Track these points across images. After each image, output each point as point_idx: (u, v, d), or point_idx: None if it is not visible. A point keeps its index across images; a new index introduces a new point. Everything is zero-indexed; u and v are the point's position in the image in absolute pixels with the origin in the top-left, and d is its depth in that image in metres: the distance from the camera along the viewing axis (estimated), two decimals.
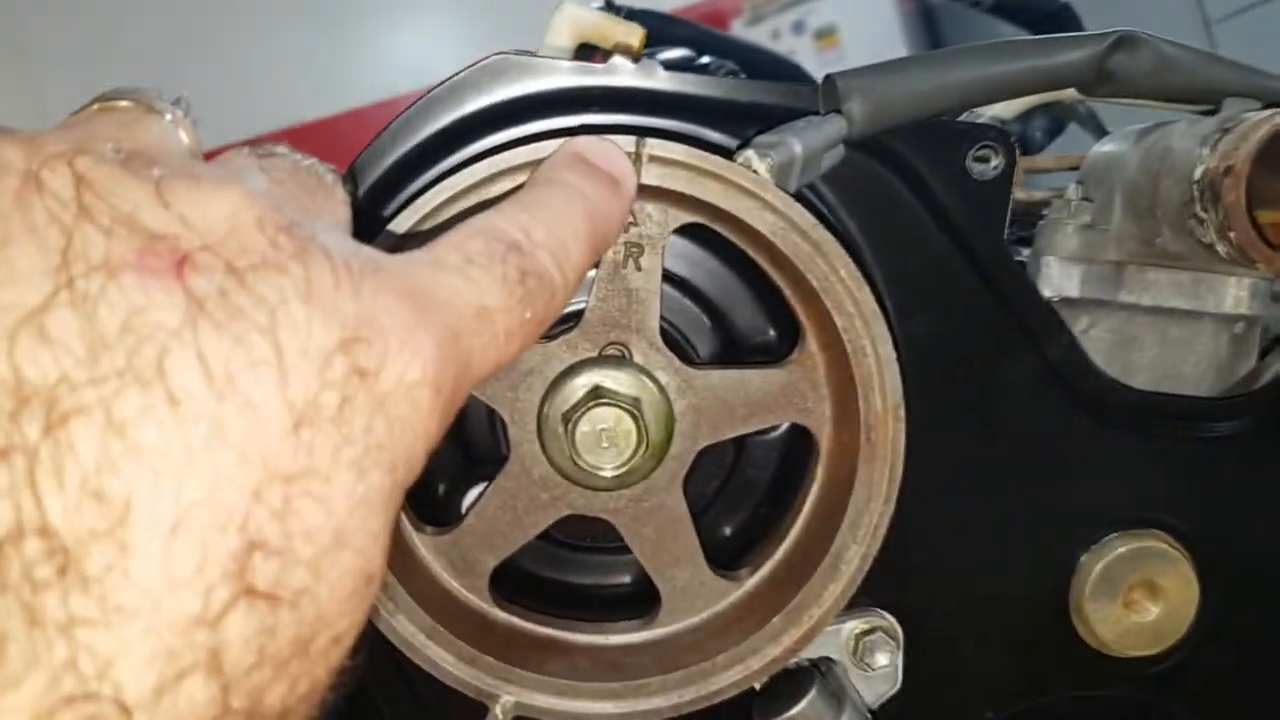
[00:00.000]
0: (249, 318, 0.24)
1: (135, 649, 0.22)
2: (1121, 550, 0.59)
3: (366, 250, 0.29)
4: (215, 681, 0.23)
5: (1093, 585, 0.59)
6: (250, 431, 0.24)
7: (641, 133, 0.49)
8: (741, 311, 0.60)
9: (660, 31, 1.16)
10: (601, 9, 1.18)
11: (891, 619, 0.59)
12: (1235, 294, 0.59)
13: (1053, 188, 0.70)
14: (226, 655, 0.23)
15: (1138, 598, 0.59)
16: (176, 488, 0.23)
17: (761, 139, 0.51)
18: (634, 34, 0.63)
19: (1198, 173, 0.52)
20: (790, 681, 0.54)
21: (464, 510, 0.56)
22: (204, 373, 0.24)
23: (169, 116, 0.32)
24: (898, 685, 0.59)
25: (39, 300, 0.23)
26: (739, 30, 4.51)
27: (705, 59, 1.11)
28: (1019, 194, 0.79)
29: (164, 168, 0.26)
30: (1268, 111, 0.50)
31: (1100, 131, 1.05)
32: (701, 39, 1.16)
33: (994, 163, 0.55)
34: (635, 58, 0.59)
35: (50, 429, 0.22)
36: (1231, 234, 0.50)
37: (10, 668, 0.21)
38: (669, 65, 1.09)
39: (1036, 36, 0.56)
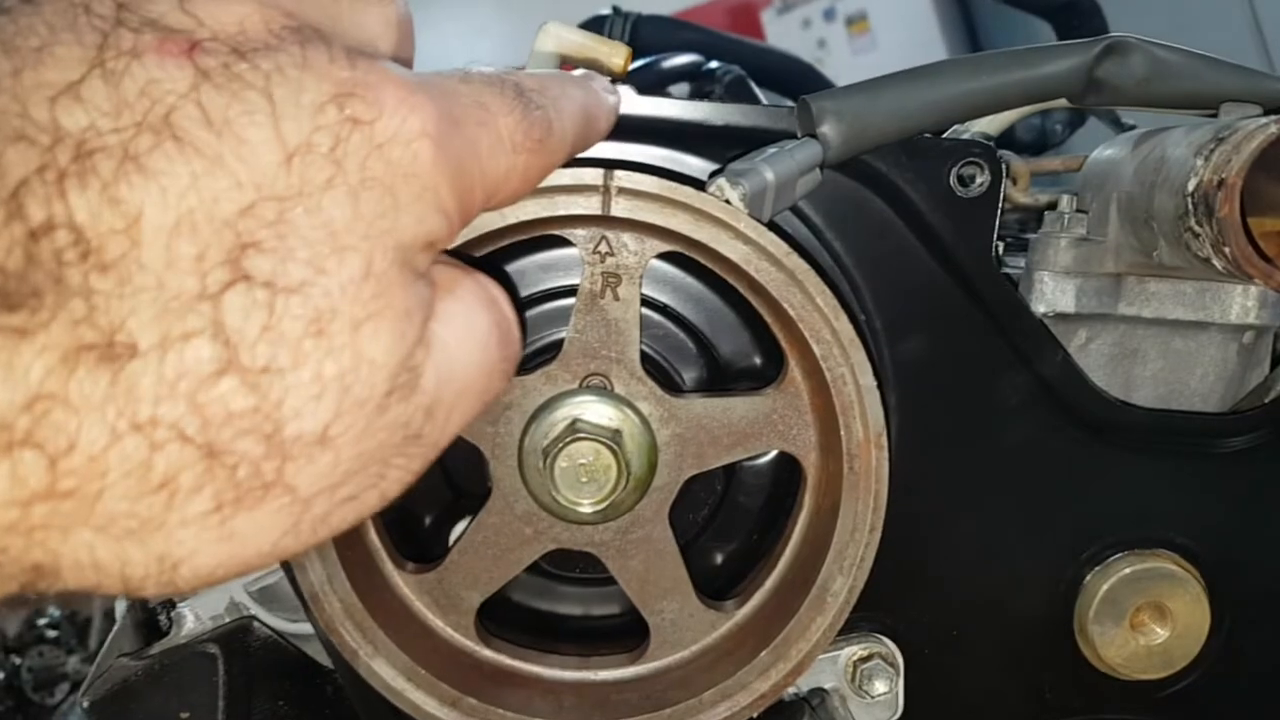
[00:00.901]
0: (246, 80, 0.30)
1: (143, 312, 0.29)
2: (1126, 571, 0.57)
3: (376, 57, 0.34)
4: (218, 342, 0.29)
5: (1097, 607, 0.57)
6: (242, 160, 0.30)
7: (609, 164, 0.48)
8: (727, 337, 0.59)
9: (667, 37, 1.14)
10: (608, 15, 1.17)
11: (891, 645, 0.58)
12: (1242, 303, 0.57)
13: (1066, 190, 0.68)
14: (228, 324, 0.29)
15: (1145, 620, 0.57)
16: (178, 199, 0.29)
17: (734, 166, 0.49)
18: (618, 54, 0.62)
19: (1191, 185, 0.49)
20: (781, 715, 0.53)
21: (449, 546, 0.55)
22: (204, 120, 0.30)
23: None
24: (899, 711, 0.58)
25: (77, 76, 0.29)
26: (770, 20, 4.48)
27: (713, 64, 1.10)
28: (1023, 199, 0.77)
29: None
30: (1263, 120, 0.48)
31: (1118, 125, 1.02)
32: (710, 43, 1.14)
33: (979, 179, 0.53)
34: (618, 78, 0.58)
35: (78, 157, 0.28)
36: (1226, 249, 0.48)
37: (42, 315, 0.28)
38: (648, 84, 1.09)
39: (1020, 48, 0.54)
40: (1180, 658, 0.57)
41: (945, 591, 0.58)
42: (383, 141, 0.32)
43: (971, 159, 0.54)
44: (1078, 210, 0.57)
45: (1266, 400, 0.59)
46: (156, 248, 0.29)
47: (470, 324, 0.36)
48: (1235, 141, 0.48)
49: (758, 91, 1.10)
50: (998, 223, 0.54)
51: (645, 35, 1.12)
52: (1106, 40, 0.53)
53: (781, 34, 4.64)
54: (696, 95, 1.11)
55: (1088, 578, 0.57)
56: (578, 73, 0.47)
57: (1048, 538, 0.58)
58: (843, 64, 5.19)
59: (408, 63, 0.38)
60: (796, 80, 1.19)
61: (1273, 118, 0.48)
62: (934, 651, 0.59)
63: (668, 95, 1.05)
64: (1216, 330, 0.58)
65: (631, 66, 1.10)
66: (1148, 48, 0.53)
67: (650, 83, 1.04)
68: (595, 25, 1.12)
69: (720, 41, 1.16)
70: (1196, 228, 0.49)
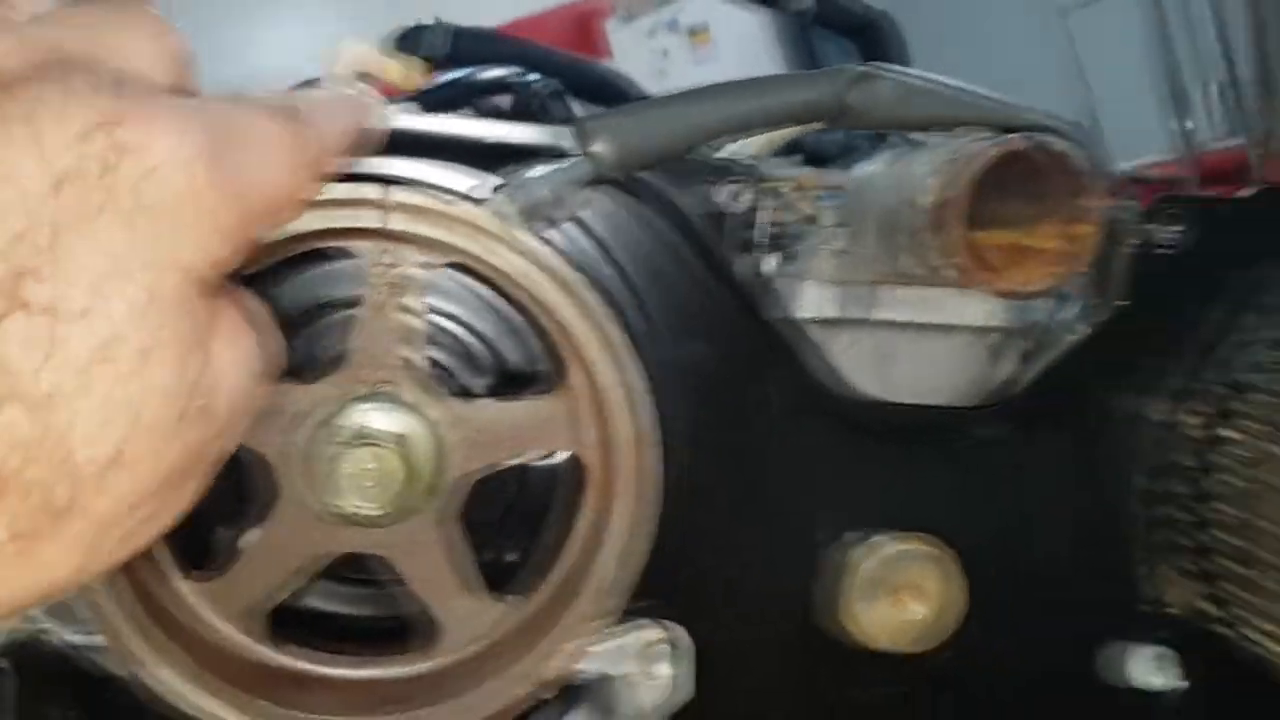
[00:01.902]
0: (6, 111, 0.30)
1: None
2: (887, 553, 0.62)
3: (144, 85, 0.35)
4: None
5: (861, 587, 0.62)
6: (12, 191, 0.30)
7: (389, 180, 0.51)
8: (515, 344, 0.62)
9: (486, 50, 1.17)
10: (428, 26, 1.19)
11: (680, 629, 0.62)
12: (983, 308, 0.63)
13: None
14: (8, 353, 0.30)
15: (905, 598, 0.63)
16: None
17: (510, 181, 0.53)
18: (410, 70, 0.65)
19: (925, 200, 0.55)
20: (560, 702, 0.57)
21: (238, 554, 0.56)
22: None
23: None
24: (690, 693, 0.62)
25: None
26: (614, 29, 4.52)
27: (533, 77, 1.13)
28: (809, 209, 0.82)
29: None
30: (988, 141, 0.53)
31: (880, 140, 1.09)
32: (529, 56, 1.17)
33: (743, 196, 0.58)
34: (410, 95, 0.61)
35: None
36: (955, 260, 0.53)
37: None
38: (462, 96, 1.10)
39: (782, 75, 0.58)
40: (939, 632, 0.63)
41: (724, 579, 0.62)
42: (155, 165, 0.32)
43: (735, 177, 0.58)
44: (838, 224, 0.62)
45: (1011, 394, 0.65)
46: None
47: (238, 343, 0.37)
48: (962, 162, 0.53)
49: (574, 105, 1.13)
50: (761, 236, 0.59)
51: (465, 48, 1.15)
52: (859, 70, 0.58)
53: (625, 43, 4.68)
54: (518, 107, 1.14)
55: (853, 561, 0.62)
56: (350, 91, 0.50)
57: (817, 526, 0.62)
58: (685, 74, 5.26)
59: (191, 94, 0.38)
60: (614, 93, 1.22)
61: (994, 140, 0.53)
62: (721, 637, 0.62)
63: (481, 106, 1.08)
64: (963, 333, 0.64)
65: (450, 77, 1.12)
66: (895, 77, 0.58)
67: (464, 95, 1.06)
68: (414, 36, 1.14)
69: (539, 55, 1.19)
70: (930, 240, 0.54)
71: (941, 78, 0.61)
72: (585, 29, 4.79)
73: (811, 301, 0.62)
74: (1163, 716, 0.67)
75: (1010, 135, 0.53)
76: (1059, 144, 0.52)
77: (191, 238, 0.33)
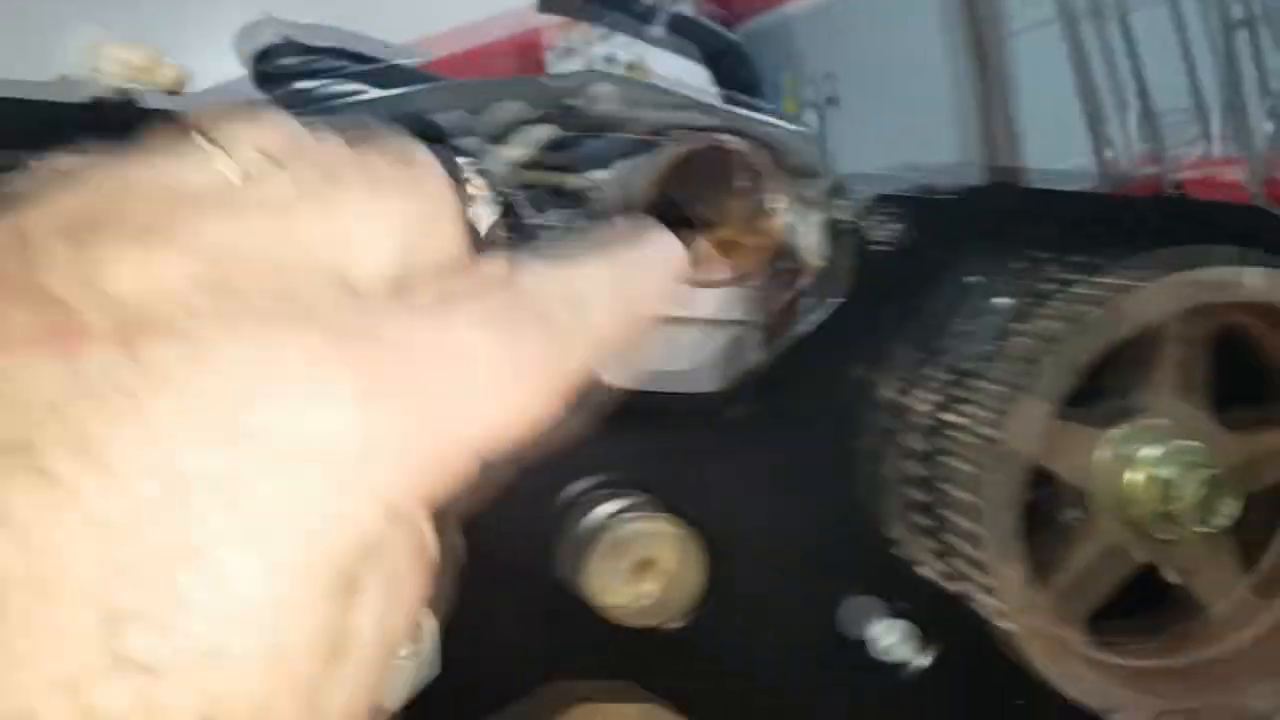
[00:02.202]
0: (130, 389, 0.23)
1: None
2: (628, 529, 0.66)
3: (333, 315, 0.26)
4: None
5: (599, 562, 0.65)
6: (114, 502, 0.23)
7: None
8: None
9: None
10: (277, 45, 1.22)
11: (424, 609, 0.64)
12: (714, 300, 0.67)
13: None
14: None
15: (644, 573, 0.66)
16: (41, 559, 0.22)
17: None
18: (168, 74, 0.68)
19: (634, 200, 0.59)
20: None
21: None
22: (68, 446, 0.22)
23: None
24: (435, 669, 0.65)
25: None
26: (554, 61, 4.57)
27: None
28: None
29: (115, 227, 0.25)
30: (677, 143, 0.58)
31: None
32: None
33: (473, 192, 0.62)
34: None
35: None
36: None
37: None
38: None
39: (511, 78, 0.63)
40: (679, 605, 0.66)
41: (460, 559, 0.65)
42: (283, 451, 0.24)
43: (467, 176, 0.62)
44: (571, 225, 0.67)
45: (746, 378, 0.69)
46: (19, 619, 0.22)
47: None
48: (650, 163, 0.57)
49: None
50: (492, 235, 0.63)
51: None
52: (579, 75, 0.62)
53: None
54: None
55: (592, 537, 0.66)
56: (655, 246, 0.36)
57: (563, 501, 0.66)
58: None
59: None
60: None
61: (681, 140, 0.58)
62: (457, 610, 0.65)
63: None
64: (700, 324, 0.68)
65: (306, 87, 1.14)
66: (614, 82, 0.62)
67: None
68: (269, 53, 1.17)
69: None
70: None
71: (677, 84, 0.65)
72: (527, 60, 4.84)
73: None
74: (908, 688, 0.70)
75: (698, 136, 0.57)
76: (735, 143, 0.56)
77: (335, 551, 0.25)
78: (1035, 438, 0.59)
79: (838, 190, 0.62)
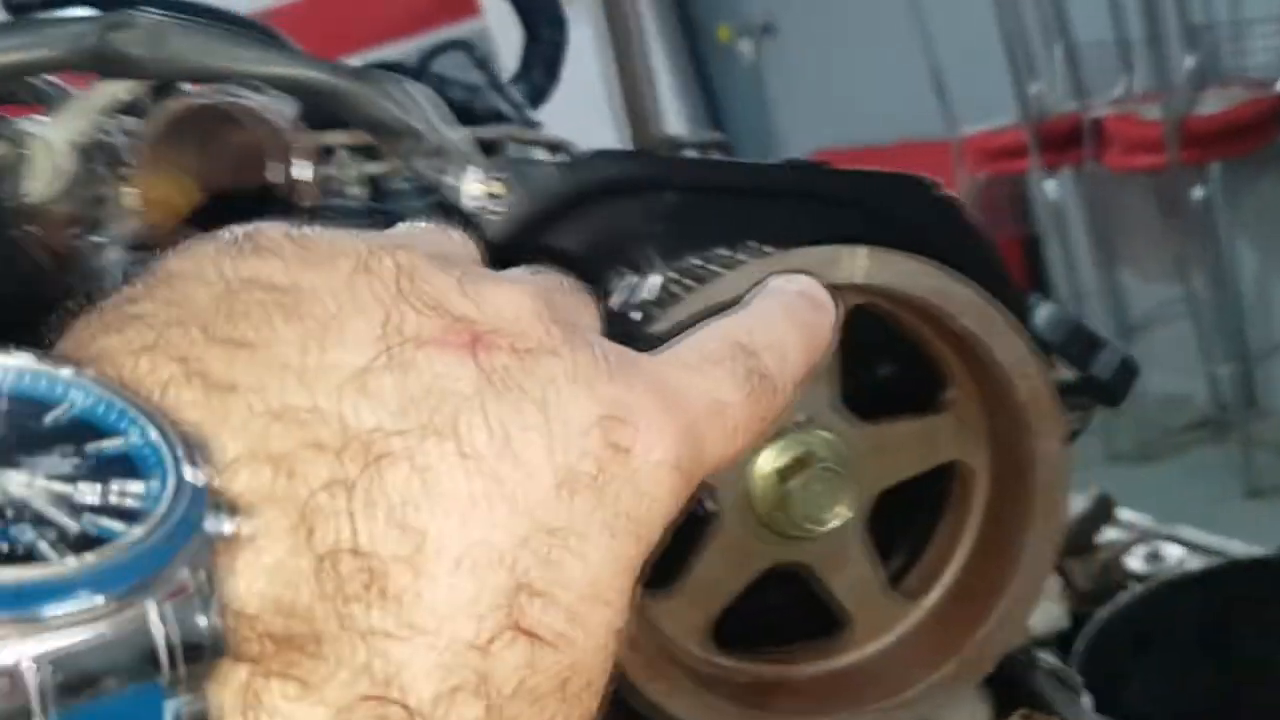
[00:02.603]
0: (526, 391, 0.28)
1: (420, 661, 0.25)
2: None
3: (619, 347, 0.33)
4: (480, 702, 0.26)
5: None
6: (522, 486, 0.27)
7: None
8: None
9: None
10: None
11: None
12: None
13: None
14: (492, 680, 0.26)
15: None
16: (463, 527, 0.26)
17: None
18: None
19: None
20: None
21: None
22: (489, 434, 0.27)
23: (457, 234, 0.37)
24: None
25: (364, 362, 0.27)
26: None
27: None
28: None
29: (463, 268, 0.31)
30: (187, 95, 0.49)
31: None
32: None
33: None
34: None
35: (367, 467, 0.26)
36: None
37: (327, 665, 0.25)
38: None
39: (32, 18, 0.53)
40: None
41: None
42: (634, 470, 0.30)
43: None
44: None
45: None
46: (440, 582, 0.26)
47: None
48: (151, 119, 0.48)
49: None
50: None
51: None
52: (112, 16, 0.52)
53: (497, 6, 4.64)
54: None
55: None
56: (797, 277, 0.44)
57: None
58: None
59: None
60: None
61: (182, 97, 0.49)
62: None
63: None
64: None
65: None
66: (153, 23, 0.52)
67: None
68: None
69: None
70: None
71: (226, 27, 0.55)
72: None
73: None
74: None
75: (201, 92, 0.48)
76: (242, 102, 0.47)
77: (643, 549, 0.30)
78: None
79: (439, 152, 0.53)
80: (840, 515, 0.52)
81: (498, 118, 0.85)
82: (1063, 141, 3.50)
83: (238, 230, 0.30)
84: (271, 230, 0.30)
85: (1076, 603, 1.56)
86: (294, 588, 0.25)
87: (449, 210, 0.50)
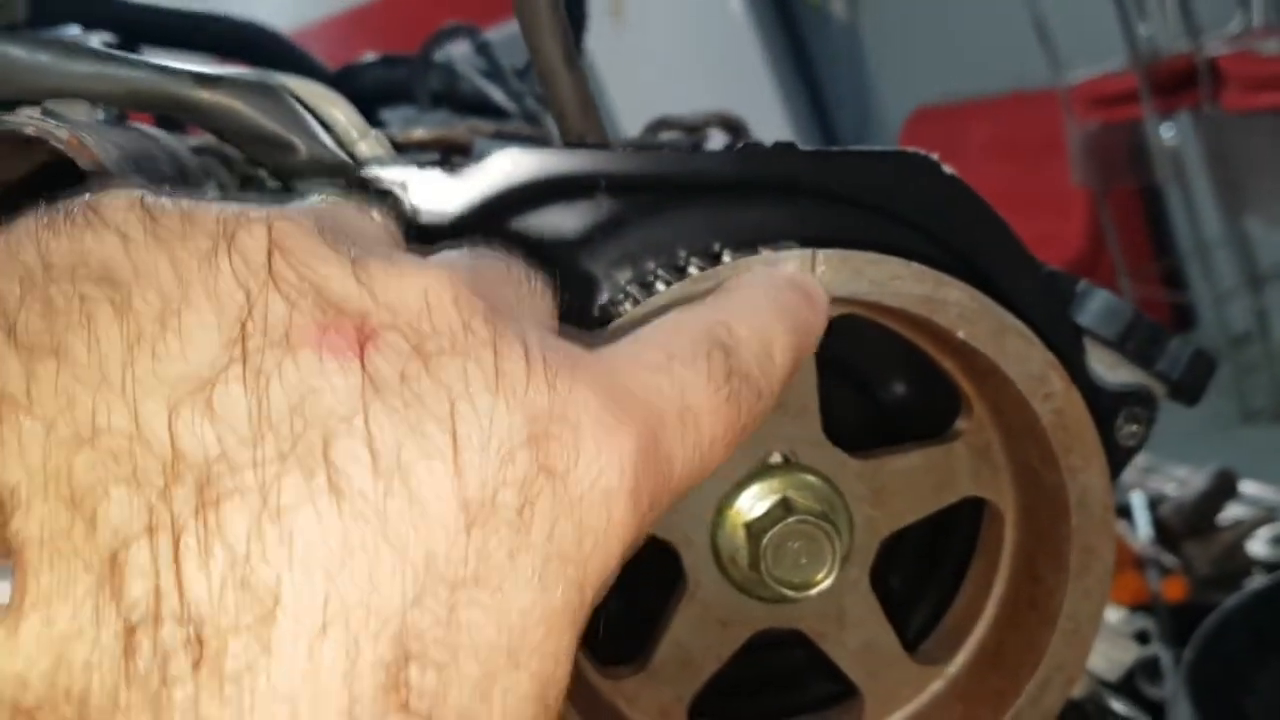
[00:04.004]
0: (427, 406, 0.23)
1: None
2: None
3: (565, 344, 0.27)
4: None
5: None
6: (415, 531, 0.22)
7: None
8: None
9: (81, 9, 1.06)
10: None
11: None
12: None
13: None
14: None
15: None
16: (329, 585, 0.21)
17: None
18: None
19: None
20: None
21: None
22: (371, 464, 0.22)
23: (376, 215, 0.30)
24: None
25: (209, 374, 0.22)
26: None
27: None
28: None
29: (365, 247, 0.25)
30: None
31: None
32: (136, 17, 1.06)
33: None
34: None
35: (202, 508, 0.21)
36: None
37: None
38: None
39: None
40: None
41: None
42: (575, 499, 0.24)
43: None
44: None
45: None
46: (295, 657, 0.21)
47: None
48: None
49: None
50: None
51: (53, 6, 1.03)
52: None
53: None
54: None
55: None
56: (784, 266, 0.39)
57: None
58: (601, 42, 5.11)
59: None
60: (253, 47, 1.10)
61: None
62: None
63: None
64: None
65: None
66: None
67: None
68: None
69: (143, 13, 1.07)
70: None
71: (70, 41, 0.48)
72: None
73: None
74: None
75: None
76: (34, 127, 0.39)
77: (588, 595, 0.25)
78: None
79: (312, 167, 0.44)
80: (824, 577, 0.43)
81: (486, 110, 0.78)
82: (1177, 84, 3.27)
83: (77, 202, 0.24)
84: (117, 200, 0.24)
85: (1196, 591, 1.43)
86: (91, 670, 0.20)
87: (371, 188, 0.42)
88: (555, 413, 0.25)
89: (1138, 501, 1.48)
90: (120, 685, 0.20)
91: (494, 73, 0.87)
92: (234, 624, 0.20)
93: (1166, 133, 3.47)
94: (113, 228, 0.23)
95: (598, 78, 4.86)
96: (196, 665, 0.20)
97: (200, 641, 0.20)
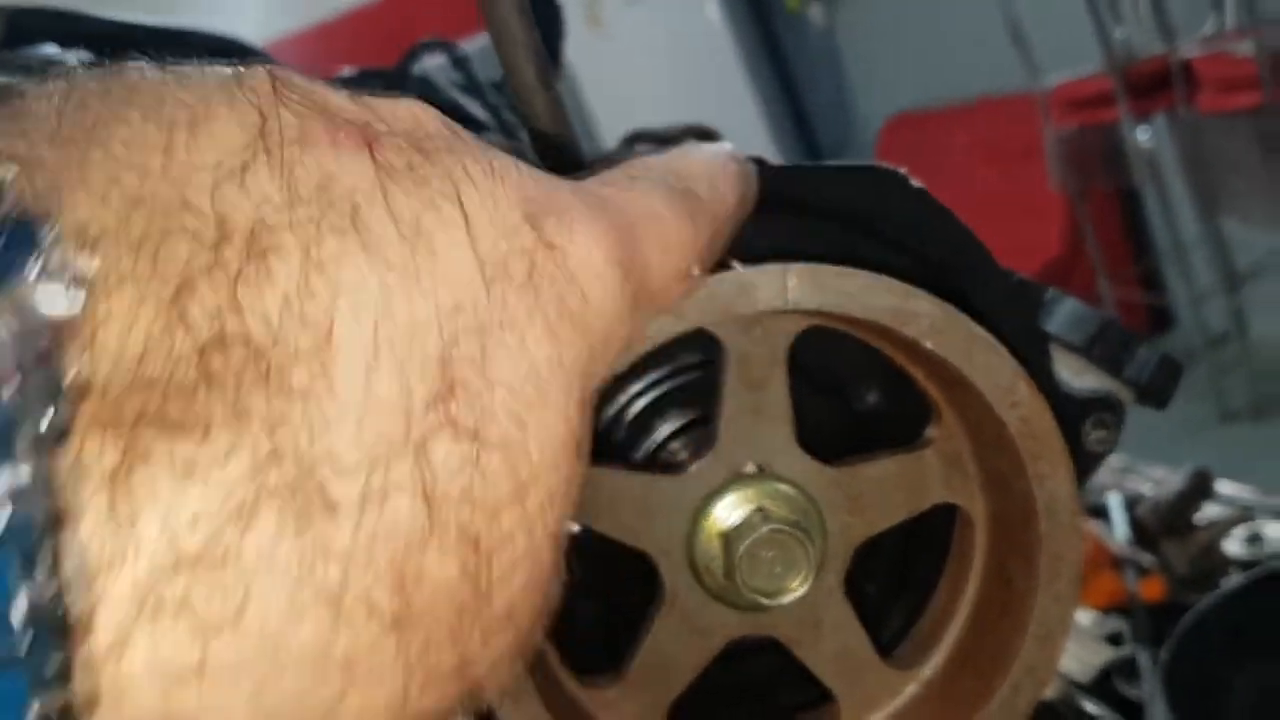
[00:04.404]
0: (435, 188, 0.26)
1: (340, 457, 0.23)
2: None
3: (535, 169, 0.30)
4: (422, 504, 0.24)
5: None
6: (444, 280, 0.25)
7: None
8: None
9: (53, 27, 1.06)
10: None
11: None
12: None
13: None
14: (432, 483, 0.24)
15: None
16: (375, 320, 0.24)
17: None
18: None
19: None
20: None
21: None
22: (396, 227, 0.25)
23: None
24: None
25: (238, 163, 0.24)
26: None
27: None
28: None
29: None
30: None
31: None
32: (109, 32, 1.06)
33: None
34: None
35: (251, 259, 0.23)
36: None
37: (215, 447, 0.22)
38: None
39: None
40: None
41: None
42: (573, 269, 0.28)
43: None
44: None
45: None
46: (353, 377, 0.24)
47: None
48: None
49: None
50: None
51: (28, 25, 1.04)
52: None
53: None
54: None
55: None
56: (724, 149, 0.41)
57: None
58: (619, 15, 5.12)
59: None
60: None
61: None
62: None
63: None
64: None
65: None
66: None
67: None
68: None
69: (120, 30, 1.07)
70: None
71: None
72: None
73: None
74: None
75: None
76: None
77: (596, 357, 0.29)
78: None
79: None
80: (799, 585, 0.43)
81: (463, 123, 0.78)
82: (1152, 86, 3.31)
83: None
84: (132, 61, 0.27)
85: (1174, 591, 1.44)
86: (172, 365, 0.22)
87: None
88: (547, 199, 0.28)
89: (1115, 502, 1.49)
90: (199, 385, 0.22)
91: (471, 86, 0.87)
92: (294, 351, 0.23)
93: (1142, 135, 3.50)
94: (135, 68, 0.26)
95: (576, 87, 4.86)
96: (265, 377, 0.23)
97: (267, 360, 0.23)
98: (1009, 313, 0.47)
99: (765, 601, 0.44)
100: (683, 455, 0.48)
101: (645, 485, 0.46)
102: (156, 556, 0.21)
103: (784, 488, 0.45)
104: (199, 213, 0.23)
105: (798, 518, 0.44)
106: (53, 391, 0.21)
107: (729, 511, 0.45)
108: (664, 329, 0.40)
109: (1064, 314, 0.51)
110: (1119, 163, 3.66)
